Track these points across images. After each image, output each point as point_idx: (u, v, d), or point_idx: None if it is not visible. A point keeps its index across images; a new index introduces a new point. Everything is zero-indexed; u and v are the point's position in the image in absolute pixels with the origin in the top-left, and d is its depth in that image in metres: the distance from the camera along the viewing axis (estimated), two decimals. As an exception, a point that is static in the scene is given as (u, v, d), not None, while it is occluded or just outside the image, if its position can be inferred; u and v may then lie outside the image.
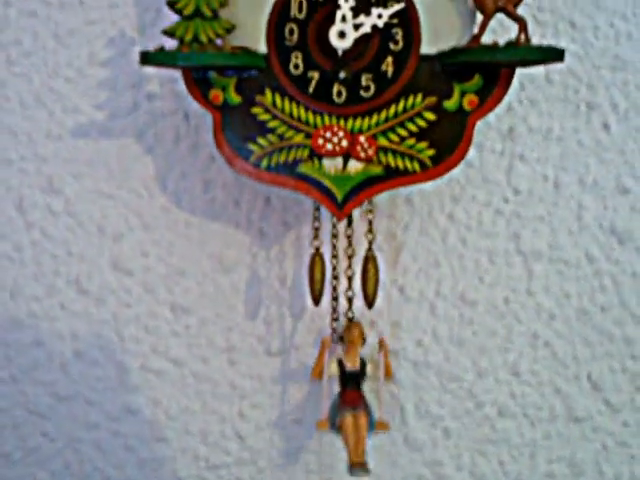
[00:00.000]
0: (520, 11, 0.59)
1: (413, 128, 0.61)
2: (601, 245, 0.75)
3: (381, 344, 0.70)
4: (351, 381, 0.67)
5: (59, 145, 0.75)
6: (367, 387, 0.69)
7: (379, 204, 0.73)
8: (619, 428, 0.76)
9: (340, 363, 0.68)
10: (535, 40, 0.71)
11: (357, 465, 0.64)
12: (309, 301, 0.71)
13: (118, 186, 0.75)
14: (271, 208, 0.75)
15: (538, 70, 0.72)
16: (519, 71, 0.67)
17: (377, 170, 0.62)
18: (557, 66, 0.71)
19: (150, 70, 0.72)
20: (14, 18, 0.75)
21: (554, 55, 0.57)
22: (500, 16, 0.59)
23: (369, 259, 0.66)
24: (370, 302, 0.67)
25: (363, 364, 0.68)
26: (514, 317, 0.76)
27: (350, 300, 0.68)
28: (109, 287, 0.76)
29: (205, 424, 0.77)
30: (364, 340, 0.68)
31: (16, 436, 0.77)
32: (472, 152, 0.71)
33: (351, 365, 0.67)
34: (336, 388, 0.69)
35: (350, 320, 0.69)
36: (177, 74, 0.66)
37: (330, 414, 0.68)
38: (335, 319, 0.69)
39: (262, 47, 0.61)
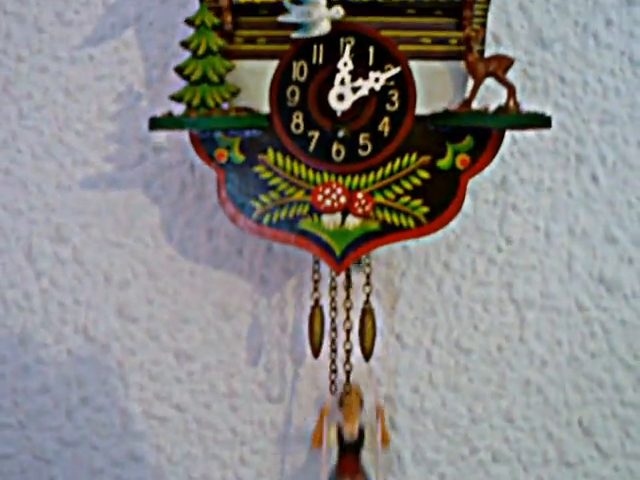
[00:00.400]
0: (512, 68, 0.63)
1: (408, 186, 0.65)
2: (591, 293, 0.78)
3: (378, 412, 0.72)
4: (350, 448, 0.70)
5: (68, 196, 0.79)
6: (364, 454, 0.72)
7: (377, 253, 0.75)
8: (610, 473, 0.78)
9: (339, 431, 0.70)
10: (526, 95, 0.77)
11: None
12: (309, 348, 0.75)
13: (125, 235, 0.79)
14: (273, 256, 0.78)
15: None
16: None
17: (374, 226, 0.65)
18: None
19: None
20: (26, 73, 0.79)
21: (542, 122, 0.61)
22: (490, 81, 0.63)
23: (366, 312, 0.69)
24: (367, 355, 0.70)
25: (362, 433, 0.70)
26: (507, 364, 0.78)
27: (348, 352, 0.71)
28: (114, 334, 0.79)
29: (207, 469, 0.79)
30: (362, 403, 0.72)
31: (23, 481, 0.80)
32: (466, 202, 0.74)
33: (350, 436, 0.69)
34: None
35: (348, 379, 0.71)
36: None
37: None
38: (334, 371, 0.72)
39: (265, 108, 0.65)
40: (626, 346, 0.78)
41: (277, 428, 0.79)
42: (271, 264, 0.78)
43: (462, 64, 0.64)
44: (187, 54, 0.64)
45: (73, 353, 0.79)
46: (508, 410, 0.78)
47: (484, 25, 0.65)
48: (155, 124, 0.62)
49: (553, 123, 0.75)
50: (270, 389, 0.79)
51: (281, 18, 0.63)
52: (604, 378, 0.78)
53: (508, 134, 0.73)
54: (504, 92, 0.62)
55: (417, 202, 0.65)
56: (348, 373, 0.71)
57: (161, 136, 0.78)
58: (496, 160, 0.74)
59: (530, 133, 0.77)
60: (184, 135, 0.74)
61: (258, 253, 0.78)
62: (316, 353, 0.70)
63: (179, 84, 0.64)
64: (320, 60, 0.65)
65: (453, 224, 0.75)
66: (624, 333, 0.78)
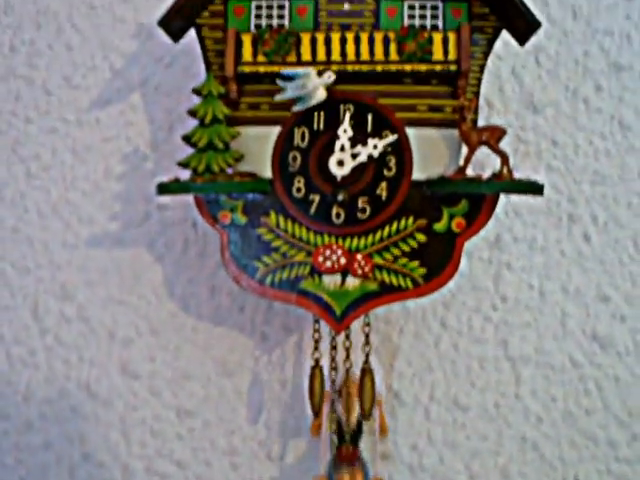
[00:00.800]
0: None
1: (406, 248, 0.68)
2: (584, 350, 0.81)
3: (377, 403, 0.73)
4: (349, 438, 0.72)
5: (74, 254, 0.82)
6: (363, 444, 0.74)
7: (375, 310, 0.78)
8: None
9: (338, 422, 0.72)
10: (519, 157, 0.81)
11: None
12: (309, 406, 0.77)
13: (129, 292, 0.82)
14: (273, 313, 0.81)
15: None
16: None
17: (373, 286, 0.68)
18: (540, 179, 0.80)
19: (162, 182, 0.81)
20: (34, 134, 0.84)
21: (535, 189, 0.64)
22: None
23: (366, 372, 0.71)
24: (366, 414, 0.71)
25: (360, 422, 0.72)
26: (504, 421, 0.80)
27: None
28: (117, 391, 0.81)
29: None
30: (364, 413, 0.71)
31: (24, 540, 0.80)
32: (461, 260, 0.79)
33: (349, 423, 0.72)
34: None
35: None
36: None
37: (328, 471, 0.72)
38: (335, 431, 0.73)
39: (267, 172, 0.69)
40: (620, 403, 0.80)
41: None
42: (272, 321, 0.81)
43: (457, 131, 0.68)
44: (192, 119, 0.68)
45: (76, 409, 0.81)
46: (505, 467, 0.80)
47: (477, 94, 0.69)
48: (163, 189, 0.66)
49: (546, 184, 0.80)
50: (270, 447, 0.80)
51: (278, 97, 0.67)
52: (599, 434, 0.80)
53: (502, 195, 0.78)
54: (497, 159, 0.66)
55: (414, 264, 0.68)
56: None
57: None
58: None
59: None
60: (187, 195, 0.79)
61: (259, 310, 0.81)
62: (316, 412, 0.72)
63: (184, 148, 0.68)
64: (321, 127, 0.69)
65: (449, 282, 0.79)
66: (618, 390, 0.80)
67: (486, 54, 0.70)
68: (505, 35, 0.77)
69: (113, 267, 0.83)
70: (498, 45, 0.80)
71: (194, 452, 0.81)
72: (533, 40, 0.80)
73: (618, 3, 0.85)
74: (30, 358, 0.82)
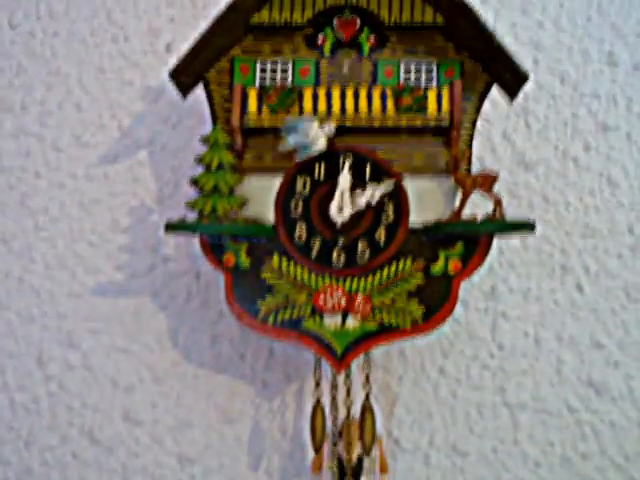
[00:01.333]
0: (497, 187, 0.75)
1: (404, 289, 0.76)
2: (580, 396, 0.86)
3: (377, 442, 0.77)
4: (349, 476, 0.76)
5: (79, 303, 0.90)
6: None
7: (375, 358, 0.85)
8: None
9: (339, 460, 0.77)
10: (511, 210, 0.87)
11: None
12: (310, 454, 0.82)
13: (132, 341, 0.89)
14: (274, 360, 0.88)
15: (514, 237, 0.88)
16: (498, 237, 0.82)
17: (372, 326, 0.75)
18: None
19: (166, 236, 0.88)
20: (43, 188, 0.93)
21: (527, 227, 0.73)
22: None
23: (366, 409, 0.78)
24: (367, 450, 0.77)
25: (360, 460, 0.77)
26: (502, 466, 0.86)
27: (349, 448, 0.77)
28: (119, 437, 0.87)
29: None
30: (366, 448, 0.76)
31: None
32: (459, 310, 0.86)
33: (349, 461, 0.76)
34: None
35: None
36: (190, 239, 0.84)
37: None
38: (336, 466, 0.77)
39: (270, 218, 0.78)
40: (617, 447, 0.86)
41: None
42: (273, 368, 0.88)
43: (451, 180, 0.77)
44: (197, 172, 0.76)
45: (78, 456, 0.87)
46: None
47: (470, 146, 0.78)
48: (170, 228, 0.74)
49: (538, 237, 0.86)
50: None
51: (281, 148, 0.76)
52: (597, 479, 0.85)
53: (496, 246, 0.85)
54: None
55: (413, 304, 0.76)
56: (352, 469, 0.78)
57: (170, 247, 0.91)
58: (485, 270, 0.86)
59: (516, 244, 0.90)
60: (191, 245, 0.86)
61: (260, 358, 0.88)
62: (317, 449, 0.78)
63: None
64: (321, 176, 0.78)
65: (447, 330, 0.86)
66: (614, 434, 0.86)
67: (477, 109, 0.79)
68: (494, 98, 0.87)
69: (117, 316, 0.90)
70: (489, 109, 0.91)
71: None
72: (523, 104, 0.93)
73: (603, 69, 0.95)
74: (33, 405, 0.89)
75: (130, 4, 0.98)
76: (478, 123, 0.88)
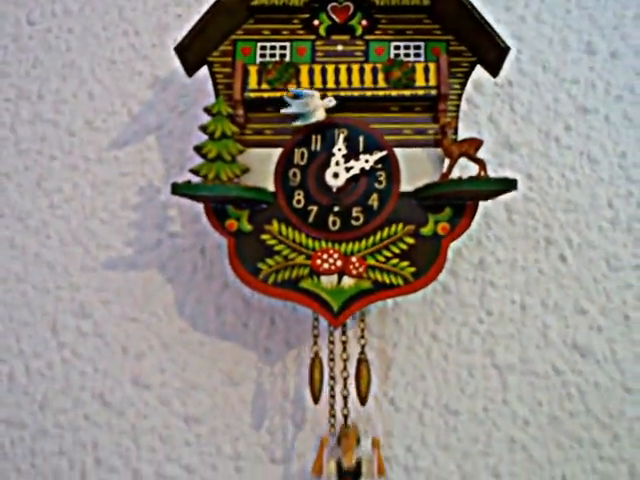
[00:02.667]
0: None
1: (396, 250, 0.79)
2: (565, 359, 0.89)
3: (374, 443, 0.81)
4: (348, 478, 0.78)
5: (91, 276, 0.94)
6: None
7: (371, 325, 0.89)
8: None
9: (338, 463, 0.79)
10: None
11: None
12: (309, 413, 0.86)
13: (141, 311, 0.92)
14: (275, 329, 0.90)
15: (501, 213, 0.92)
16: (485, 212, 0.86)
17: (367, 285, 0.78)
18: (518, 208, 0.93)
19: (173, 212, 0.93)
20: (58, 170, 0.97)
21: (509, 185, 0.75)
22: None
23: (362, 362, 0.81)
24: (363, 400, 0.80)
25: (359, 463, 0.79)
26: (493, 424, 0.88)
27: (345, 399, 0.81)
28: (129, 400, 0.90)
29: None
30: (359, 441, 0.80)
31: (35, 543, 0.89)
32: (449, 280, 0.91)
33: (348, 464, 0.78)
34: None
35: (346, 421, 0.80)
36: (196, 214, 0.89)
37: None
38: (332, 415, 0.82)
39: (270, 187, 0.81)
40: (601, 406, 0.88)
41: None
42: (274, 336, 0.90)
43: (438, 150, 0.80)
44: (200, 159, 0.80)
45: (90, 418, 0.90)
46: (495, 467, 0.87)
47: (457, 117, 0.82)
48: (176, 189, 0.77)
49: (524, 212, 0.89)
50: (273, 452, 0.88)
51: (283, 110, 0.80)
52: (583, 436, 0.87)
53: (483, 221, 0.89)
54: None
55: (405, 263, 0.79)
56: (346, 417, 0.81)
57: (176, 224, 0.94)
58: (474, 243, 0.89)
59: (503, 219, 0.93)
60: (196, 222, 0.90)
61: (262, 326, 0.91)
62: (316, 399, 0.80)
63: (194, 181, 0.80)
64: (318, 147, 0.82)
65: (438, 299, 0.88)
66: (598, 394, 0.88)
67: (463, 84, 0.83)
68: (481, 84, 0.94)
69: (127, 288, 0.93)
70: (476, 95, 0.96)
71: (201, 457, 0.88)
72: (508, 89, 0.96)
73: (582, 57, 0.99)
74: (48, 371, 0.91)
75: (140, 2, 1.02)
76: (465, 107, 0.94)
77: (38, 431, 0.89)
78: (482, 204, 0.88)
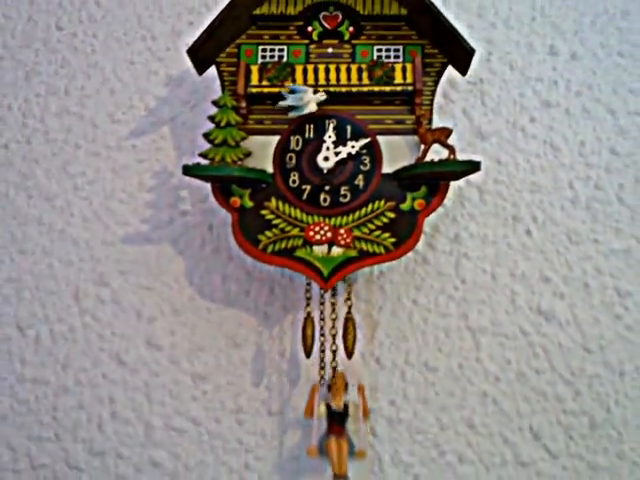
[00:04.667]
0: (460, 155, 0.83)
1: (379, 223, 0.81)
2: (532, 322, 0.90)
3: (359, 389, 0.82)
4: (336, 419, 0.79)
5: (110, 249, 0.94)
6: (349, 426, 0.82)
7: (358, 291, 0.90)
8: (559, 472, 0.85)
9: (328, 406, 0.80)
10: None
11: (339, 476, 0.76)
12: (303, 372, 0.87)
13: (154, 280, 0.93)
14: (274, 296, 0.91)
15: (474, 193, 0.93)
16: (460, 193, 0.90)
17: (353, 253, 0.80)
18: (488, 189, 0.93)
19: (184, 193, 0.94)
20: (82, 156, 0.98)
21: (473, 166, 0.77)
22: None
23: (349, 320, 0.82)
24: (349, 353, 0.81)
25: (346, 406, 0.80)
26: (467, 380, 0.88)
27: (334, 352, 0.82)
28: (143, 360, 0.90)
29: (217, 474, 0.87)
30: (347, 387, 0.81)
31: (56, 487, 0.87)
32: (428, 252, 0.91)
33: (336, 406, 0.80)
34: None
35: (334, 370, 0.82)
36: (205, 195, 0.91)
37: (319, 443, 0.79)
38: (322, 367, 0.83)
39: (269, 168, 0.83)
40: (564, 364, 0.88)
41: (276, 438, 0.88)
42: (273, 303, 0.91)
43: (415, 137, 0.83)
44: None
45: (107, 376, 0.90)
46: (470, 419, 0.88)
47: (431, 110, 0.84)
48: (187, 170, 0.79)
49: (494, 192, 0.93)
50: (271, 406, 0.88)
51: (281, 103, 0.82)
52: (548, 391, 0.88)
53: (458, 200, 0.92)
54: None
55: (386, 235, 0.81)
56: (334, 369, 0.82)
57: (187, 203, 0.95)
58: (450, 220, 0.91)
59: (476, 199, 0.94)
60: (205, 202, 0.92)
61: (262, 294, 0.92)
62: (308, 353, 0.81)
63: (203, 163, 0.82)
64: (311, 135, 0.84)
65: (419, 269, 0.91)
66: (561, 353, 0.89)
67: (436, 82, 0.85)
68: (455, 82, 0.97)
69: (142, 260, 0.94)
70: (451, 91, 0.98)
71: (206, 411, 0.89)
72: (480, 86, 0.97)
73: (546, 58, 1.01)
74: (70, 334, 0.92)
75: (157, 11, 1.04)
76: (442, 102, 0.96)
77: (60, 388, 0.90)
78: (457, 186, 0.92)
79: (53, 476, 0.88)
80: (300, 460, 0.87)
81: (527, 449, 0.87)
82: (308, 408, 0.81)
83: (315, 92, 0.82)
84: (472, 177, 0.95)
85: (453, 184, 0.87)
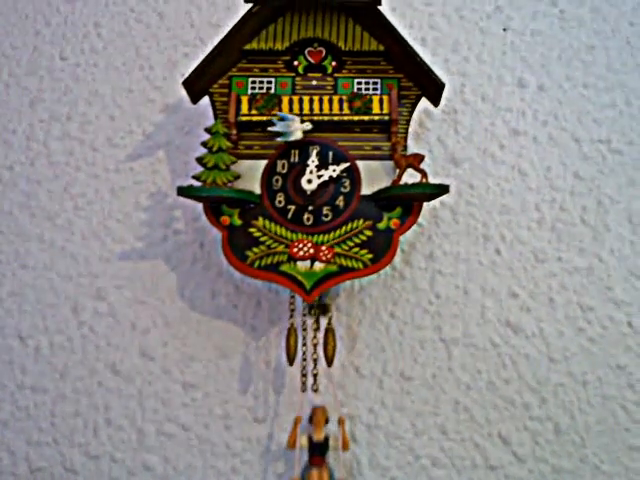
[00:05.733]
0: (433, 178, 0.87)
1: (358, 240, 0.84)
2: (500, 334, 0.93)
3: (340, 421, 0.84)
4: (317, 450, 0.82)
5: (107, 265, 0.97)
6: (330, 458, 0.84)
7: (340, 305, 0.93)
8: (526, 474, 0.87)
9: (309, 438, 0.82)
10: (443, 196, 0.99)
11: None
12: (287, 381, 0.89)
13: (148, 295, 0.95)
14: (260, 310, 0.93)
15: (447, 214, 0.97)
16: (435, 214, 0.93)
17: (334, 268, 0.83)
18: (461, 211, 0.96)
19: (178, 213, 0.97)
20: (82, 178, 1.01)
21: (442, 189, 0.81)
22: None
23: (329, 331, 0.85)
24: (329, 362, 0.83)
25: (327, 438, 0.83)
26: (440, 389, 0.91)
27: (315, 361, 0.85)
28: (136, 369, 0.92)
29: (205, 477, 0.89)
30: (327, 421, 0.84)
31: (54, 489, 0.87)
32: (405, 268, 0.93)
33: (317, 439, 0.82)
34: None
35: (315, 377, 0.85)
36: (196, 215, 0.94)
37: (301, 474, 0.82)
38: (304, 375, 0.85)
39: (257, 190, 0.86)
40: (531, 374, 0.91)
41: (262, 443, 0.90)
42: (259, 316, 0.94)
43: (391, 162, 0.87)
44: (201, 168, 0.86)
45: (102, 384, 0.92)
46: (443, 425, 0.90)
47: (405, 137, 0.88)
48: (181, 191, 0.82)
49: (466, 214, 0.98)
50: (257, 412, 0.91)
51: (270, 129, 0.85)
52: (516, 399, 0.91)
53: (433, 221, 0.96)
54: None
55: (364, 251, 0.84)
56: (315, 376, 0.85)
57: (180, 223, 0.98)
58: (425, 239, 0.94)
59: (449, 220, 0.97)
60: (196, 222, 0.95)
61: (249, 308, 0.94)
62: (291, 362, 0.84)
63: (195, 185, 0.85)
64: (296, 160, 0.88)
65: (396, 284, 0.94)
66: (528, 364, 0.92)
67: (410, 112, 0.89)
68: (430, 112, 1.00)
69: (137, 276, 0.97)
70: (427, 120, 1.01)
71: (196, 417, 0.91)
72: (453, 116, 1.02)
73: (515, 90, 1.05)
74: (68, 344, 0.94)
75: (154, 43, 1.08)
76: (419, 130, 0.99)
77: (58, 396, 0.92)
78: (432, 207, 0.95)
79: (50, 479, 0.90)
80: (284, 464, 0.90)
81: (496, 453, 0.90)
82: (291, 440, 0.83)
83: (302, 122, 0.86)
84: (446, 199, 0.99)
85: (429, 206, 0.91)
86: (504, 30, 1.10)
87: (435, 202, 0.97)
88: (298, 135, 0.86)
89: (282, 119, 0.86)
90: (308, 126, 0.86)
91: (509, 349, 0.94)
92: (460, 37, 1.10)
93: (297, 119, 0.86)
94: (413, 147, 1.00)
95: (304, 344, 0.87)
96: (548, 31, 1.10)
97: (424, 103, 0.92)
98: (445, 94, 1.03)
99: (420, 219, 0.97)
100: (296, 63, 0.91)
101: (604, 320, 0.95)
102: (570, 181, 1.01)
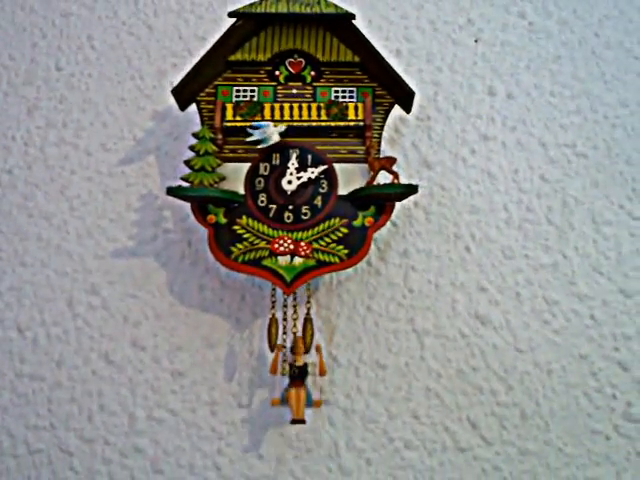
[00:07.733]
0: (407, 179, 0.94)
1: (334, 237, 0.91)
2: (470, 326, 0.99)
3: (317, 348, 0.92)
4: (297, 375, 0.90)
5: (101, 262, 1.03)
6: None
7: (319, 298, 0.99)
8: (493, 456, 0.93)
9: (290, 365, 0.90)
10: (416, 198, 1.04)
11: (297, 420, 0.87)
12: (269, 367, 0.95)
13: (139, 289, 1.02)
14: (244, 303, 1.00)
15: (420, 214, 1.04)
16: (409, 214, 1.00)
17: (312, 262, 0.90)
18: (433, 211, 1.03)
19: (167, 214, 1.04)
20: (77, 181, 1.08)
21: (412, 189, 0.88)
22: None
23: (307, 320, 0.92)
24: (307, 349, 0.91)
25: (306, 364, 0.90)
26: (413, 376, 0.97)
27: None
28: (128, 359, 0.99)
29: (192, 459, 0.95)
30: (307, 350, 0.92)
31: (50, 470, 0.96)
32: (380, 265, 1.00)
33: (297, 363, 0.90)
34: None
35: (295, 335, 0.93)
36: (185, 216, 1.01)
37: (281, 395, 0.91)
38: (284, 361, 0.92)
39: (241, 190, 0.94)
40: (498, 363, 0.98)
41: (245, 427, 0.96)
42: (244, 309, 1.00)
43: (365, 165, 0.94)
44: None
45: (96, 373, 0.99)
46: (415, 410, 0.96)
47: (379, 142, 0.96)
48: (170, 192, 0.89)
49: (438, 214, 1.05)
50: (241, 398, 0.97)
51: (248, 139, 0.93)
52: (484, 386, 0.97)
53: (407, 220, 1.03)
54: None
55: (340, 247, 0.91)
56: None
57: (169, 222, 1.05)
58: (400, 237, 1.01)
59: (422, 219, 1.04)
60: (185, 222, 1.01)
61: (234, 301, 1.01)
62: (272, 348, 0.91)
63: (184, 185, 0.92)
64: (277, 162, 0.95)
65: (372, 280, 1.01)
66: (496, 353, 0.98)
67: (384, 118, 0.97)
68: (405, 119, 1.07)
69: (129, 272, 1.03)
70: (402, 127, 1.08)
71: (184, 403, 0.97)
72: (427, 123, 1.09)
73: (485, 98, 1.13)
74: (64, 336, 1.01)
75: (145, 54, 1.15)
76: (394, 136, 1.05)
77: (54, 383, 0.98)
78: (406, 207, 1.02)
79: (48, 460, 0.96)
80: (267, 446, 0.97)
81: (465, 437, 0.95)
82: (273, 366, 0.91)
83: (275, 125, 0.93)
84: (419, 200, 1.05)
85: (403, 206, 0.99)
86: (475, 41, 1.18)
87: (409, 203, 1.03)
88: (276, 138, 0.93)
89: (257, 128, 0.93)
90: (282, 128, 0.93)
91: (478, 340, 1.00)
92: (433, 48, 1.17)
93: (270, 124, 0.93)
94: (389, 151, 1.07)
95: (284, 332, 0.94)
96: (517, 42, 1.18)
97: (398, 110, 0.99)
98: (419, 102, 1.11)
99: (395, 218, 1.04)
100: (277, 73, 0.99)
101: (568, 313, 1.01)
102: (537, 183, 1.08)
